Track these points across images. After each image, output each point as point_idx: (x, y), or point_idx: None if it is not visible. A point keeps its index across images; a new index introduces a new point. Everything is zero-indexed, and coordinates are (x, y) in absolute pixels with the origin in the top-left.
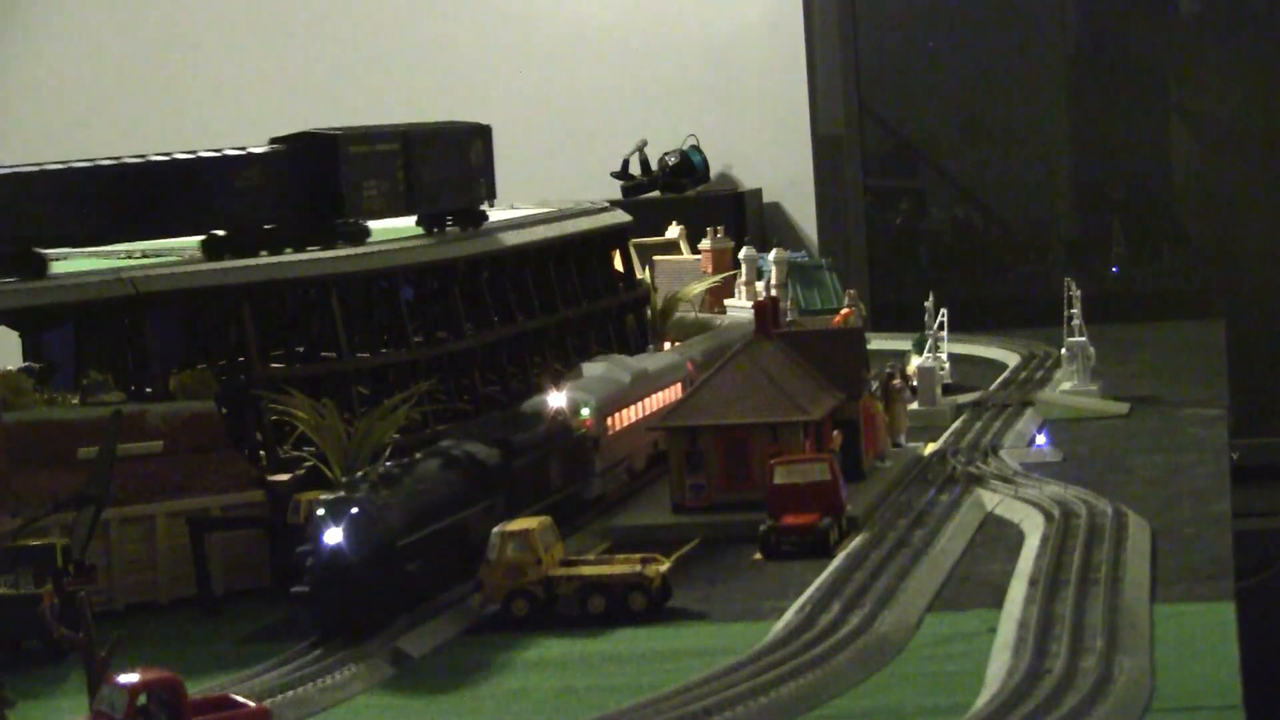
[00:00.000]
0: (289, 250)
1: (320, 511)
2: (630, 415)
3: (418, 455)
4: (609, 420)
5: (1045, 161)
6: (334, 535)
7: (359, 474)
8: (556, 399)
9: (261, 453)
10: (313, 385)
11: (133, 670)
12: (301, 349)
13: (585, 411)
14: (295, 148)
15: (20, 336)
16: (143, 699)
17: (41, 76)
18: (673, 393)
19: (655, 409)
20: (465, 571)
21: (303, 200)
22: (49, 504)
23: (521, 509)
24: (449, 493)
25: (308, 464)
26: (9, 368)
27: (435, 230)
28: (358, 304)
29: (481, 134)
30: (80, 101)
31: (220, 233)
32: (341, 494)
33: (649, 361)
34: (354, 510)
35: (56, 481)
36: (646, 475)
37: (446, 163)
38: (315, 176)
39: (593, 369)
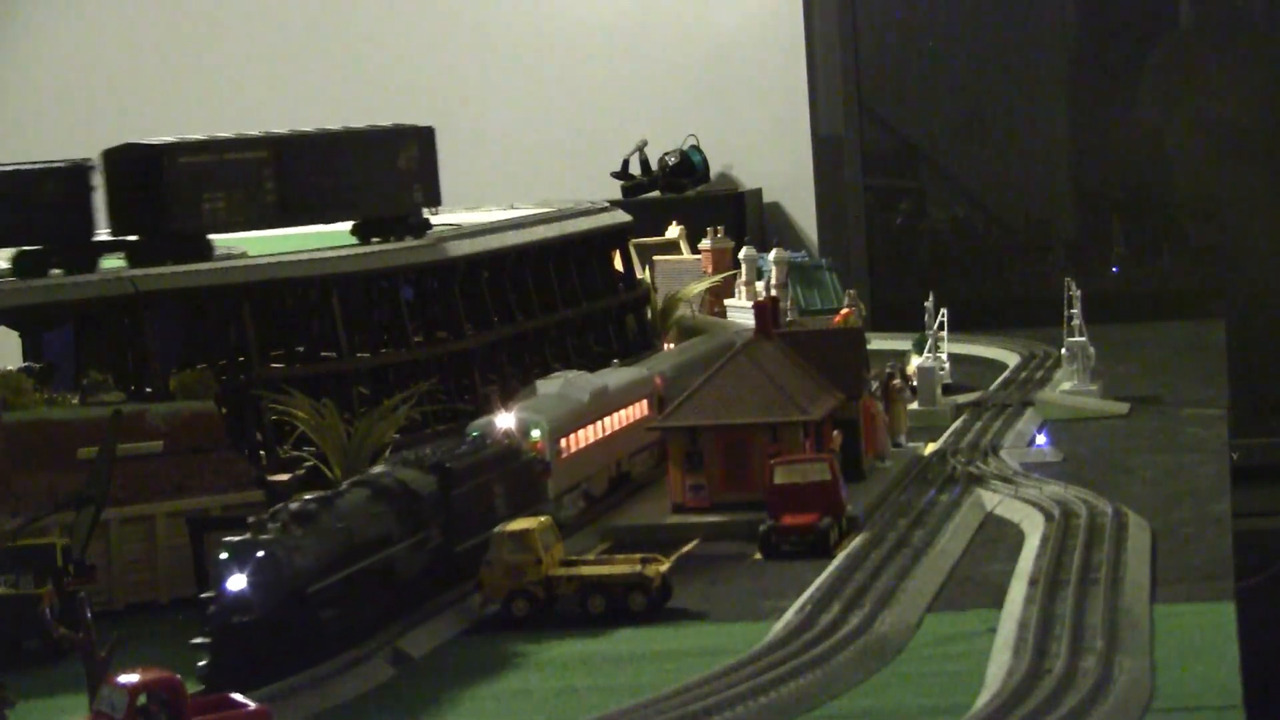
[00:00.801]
0: (117, 264)
1: (223, 555)
2: (588, 436)
3: (343, 486)
4: (563, 442)
5: (1045, 161)
6: (237, 582)
7: (268, 513)
8: (505, 420)
9: (261, 453)
10: (313, 385)
11: (133, 670)
12: (301, 349)
13: (536, 433)
14: (112, 160)
15: (20, 336)
16: (143, 699)
17: (40, 74)
18: (638, 410)
19: (616, 429)
20: (393, 612)
21: (125, 214)
22: (49, 504)
23: (462, 541)
24: (373, 529)
25: (308, 464)
26: (9, 368)
27: (372, 239)
28: (358, 304)
29: (416, 137)
30: (81, 99)
31: (32, 247)
32: (247, 535)
33: (611, 378)
34: (259, 554)
35: (56, 481)
36: (606, 500)
37: (354, 169)
38: (137, 189)
39: (548, 387)
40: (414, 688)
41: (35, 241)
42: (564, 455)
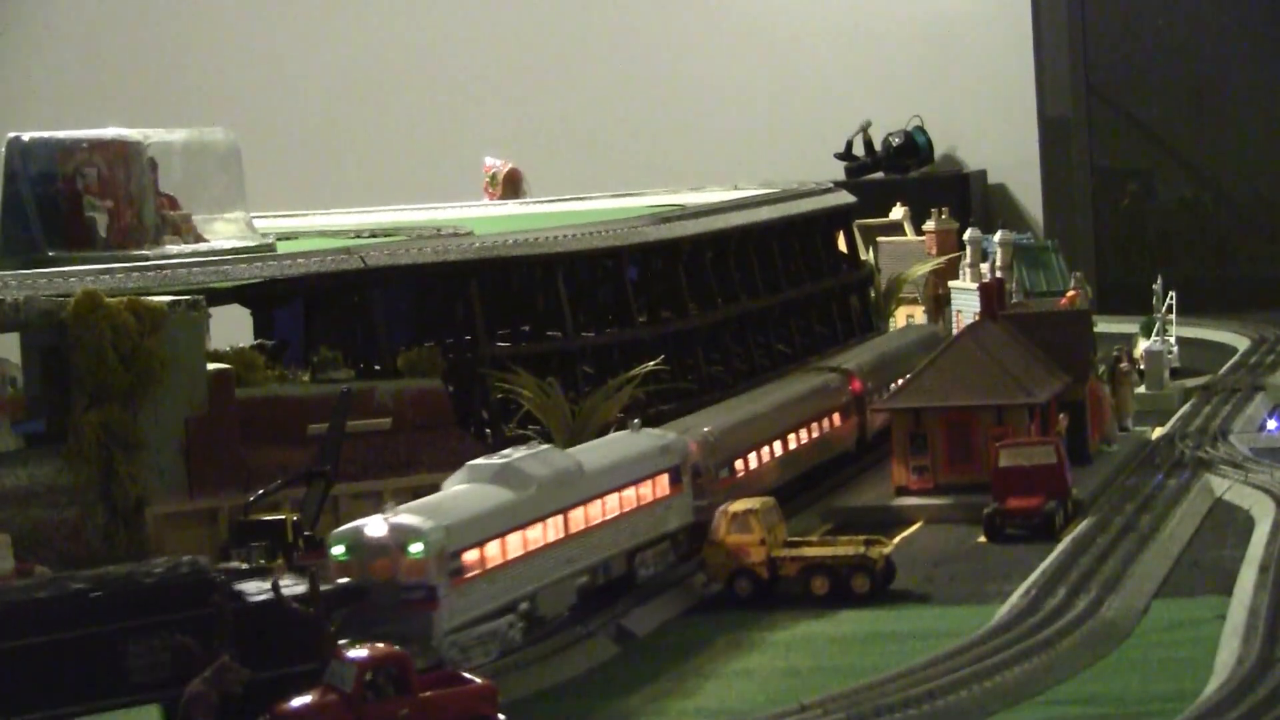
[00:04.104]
0: None
1: None
2: (527, 541)
3: None
4: (470, 555)
5: (1277, 141)
6: None
7: None
8: (376, 529)
9: (487, 430)
10: (538, 363)
11: (362, 645)
12: (527, 328)
13: (416, 549)
14: None
15: (252, 314)
16: (370, 675)
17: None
18: (650, 490)
19: (596, 523)
20: None
21: None
22: (280, 479)
23: None
24: None
25: (533, 442)
26: (241, 344)
27: None
28: (583, 283)
29: None
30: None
31: None
32: None
33: (597, 453)
34: None
35: (287, 457)
36: (571, 618)
37: None
38: None
39: (477, 472)
40: (637, 665)
41: None
42: (469, 575)
